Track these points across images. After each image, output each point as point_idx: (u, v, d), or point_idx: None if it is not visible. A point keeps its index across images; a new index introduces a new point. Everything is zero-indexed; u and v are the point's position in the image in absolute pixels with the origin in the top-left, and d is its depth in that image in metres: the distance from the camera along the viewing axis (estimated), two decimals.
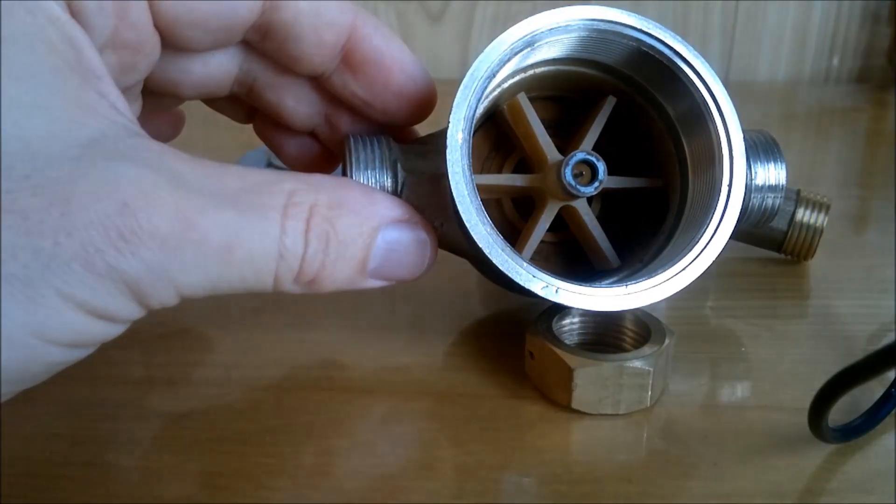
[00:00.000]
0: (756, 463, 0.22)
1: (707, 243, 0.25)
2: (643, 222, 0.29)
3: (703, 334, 0.30)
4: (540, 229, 0.27)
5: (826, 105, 0.66)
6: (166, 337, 0.29)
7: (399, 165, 0.26)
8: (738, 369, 0.27)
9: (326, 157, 0.30)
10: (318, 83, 0.27)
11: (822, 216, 0.33)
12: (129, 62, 0.23)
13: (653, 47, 0.26)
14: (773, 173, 0.27)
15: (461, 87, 0.24)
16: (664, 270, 0.24)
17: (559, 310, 0.27)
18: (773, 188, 0.27)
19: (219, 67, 0.26)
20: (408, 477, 0.22)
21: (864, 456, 0.23)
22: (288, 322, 0.30)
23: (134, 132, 0.20)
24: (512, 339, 0.28)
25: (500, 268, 0.23)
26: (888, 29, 0.68)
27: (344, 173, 0.26)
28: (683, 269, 0.25)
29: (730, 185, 0.25)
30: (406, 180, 0.25)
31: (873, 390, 0.24)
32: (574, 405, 0.24)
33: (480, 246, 0.23)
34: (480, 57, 0.24)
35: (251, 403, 0.25)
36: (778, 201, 0.27)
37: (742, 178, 0.26)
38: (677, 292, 0.24)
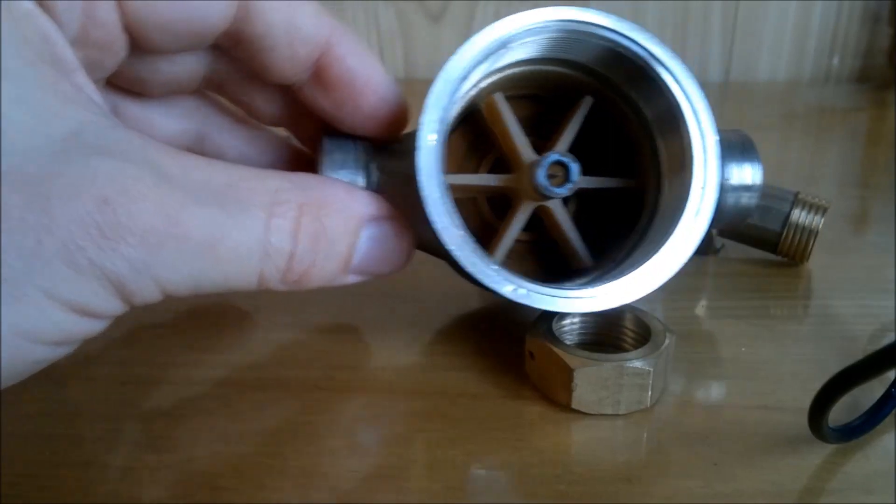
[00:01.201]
0: (756, 463, 0.22)
1: (680, 244, 0.25)
2: (618, 222, 0.29)
3: (703, 334, 0.30)
4: (514, 230, 0.27)
5: (826, 105, 0.66)
6: (166, 337, 0.29)
7: (373, 166, 0.26)
8: (738, 369, 0.27)
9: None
10: (289, 90, 0.27)
11: (817, 218, 0.33)
12: (95, 59, 0.22)
13: (626, 48, 0.26)
14: (747, 173, 0.27)
15: (432, 89, 0.24)
16: (634, 271, 0.25)
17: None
18: (747, 188, 0.27)
19: (187, 68, 0.26)
20: (408, 477, 0.22)
21: (864, 456, 0.23)
22: (288, 322, 0.30)
23: (113, 124, 0.20)
24: (512, 339, 0.28)
25: (469, 270, 0.23)
26: (888, 29, 0.68)
27: (317, 172, 0.26)
28: (655, 270, 0.25)
29: (703, 187, 0.26)
30: (380, 180, 0.26)
31: (873, 390, 0.24)
32: (574, 405, 0.24)
33: (449, 248, 0.23)
34: (452, 58, 0.24)
35: (251, 403, 0.25)
36: (753, 200, 0.28)
37: (715, 179, 0.26)
38: (648, 294, 0.25)
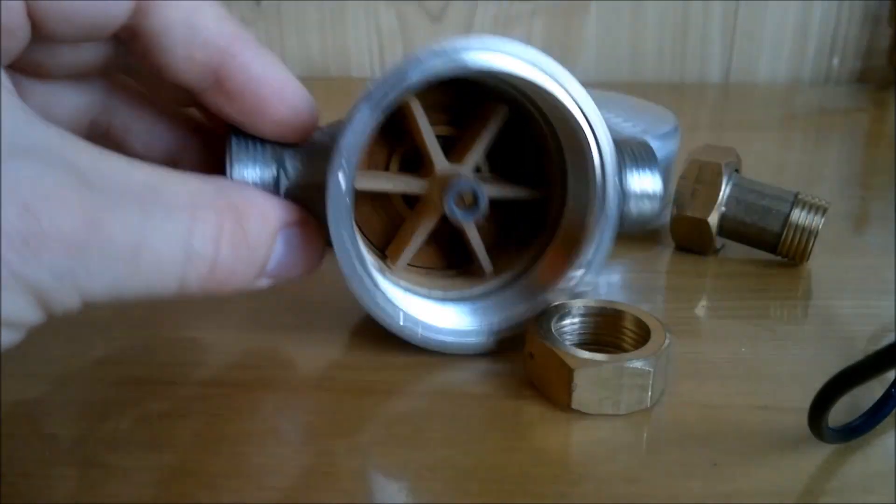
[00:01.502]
0: (756, 463, 0.22)
1: (587, 261, 0.28)
2: (525, 230, 0.30)
3: (703, 334, 0.30)
4: (418, 239, 0.28)
5: (826, 106, 0.66)
6: (166, 337, 0.29)
7: (283, 171, 0.26)
8: (738, 369, 0.27)
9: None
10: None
11: (817, 218, 0.33)
12: (5, 46, 0.21)
13: (509, 75, 0.26)
14: (647, 181, 0.28)
15: (342, 142, 0.24)
16: (535, 298, 0.28)
17: (559, 310, 0.27)
18: (648, 196, 0.28)
19: (88, 56, 0.25)
20: (408, 477, 0.22)
21: (864, 456, 0.23)
22: (287, 323, 0.30)
23: (30, 119, 0.19)
24: (512, 340, 0.28)
25: (362, 302, 0.26)
26: (888, 29, 0.68)
27: (224, 172, 0.25)
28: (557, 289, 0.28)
29: (603, 200, 0.27)
30: (289, 182, 0.26)
31: (873, 390, 0.24)
32: (574, 405, 0.24)
33: (350, 289, 0.26)
34: (358, 114, 0.24)
35: (251, 403, 0.25)
36: (656, 207, 0.28)
37: (615, 192, 0.27)
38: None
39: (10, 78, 0.23)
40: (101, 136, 0.27)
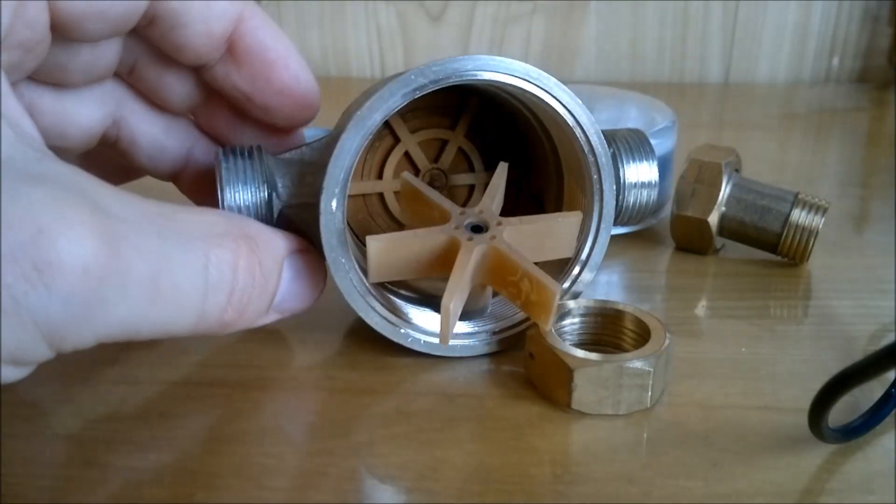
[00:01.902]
0: (756, 463, 0.22)
1: (584, 259, 0.28)
2: None
3: (703, 334, 0.30)
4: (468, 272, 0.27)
5: (826, 105, 0.66)
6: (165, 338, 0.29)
7: (275, 192, 0.26)
8: (738, 369, 0.27)
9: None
10: (201, 75, 0.26)
11: (817, 218, 0.33)
12: (17, 62, 0.21)
13: (494, 84, 0.26)
14: (644, 171, 0.28)
15: (330, 171, 0.24)
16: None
17: (559, 310, 0.27)
18: (645, 185, 0.29)
19: (106, 52, 0.25)
20: (408, 477, 0.22)
21: (864, 456, 0.23)
22: (287, 323, 0.30)
23: (43, 155, 0.18)
24: (512, 340, 0.28)
25: (362, 316, 0.26)
26: (888, 29, 0.68)
27: (216, 187, 0.25)
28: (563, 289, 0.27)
29: (601, 197, 0.27)
30: (283, 205, 0.26)
31: (873, 390, 0.24)
32: (574, 405, 0.24)
33: (344, 294, 0.26)
34: (345, 141, 0.24)
35: (251, 403, 0.25)
36: (653, 196, 0.29)
37: (610, 188, 0.27)
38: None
39: (27, 92, 0.24)
40: (110, 146, 0.27)
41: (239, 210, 0.26)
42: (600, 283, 0.34)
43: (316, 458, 0.23)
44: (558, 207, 0.30)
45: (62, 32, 0.22)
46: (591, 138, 0.27)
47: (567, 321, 0.27)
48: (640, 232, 0.38)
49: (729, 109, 0.65)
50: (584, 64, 0.70)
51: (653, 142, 0.34)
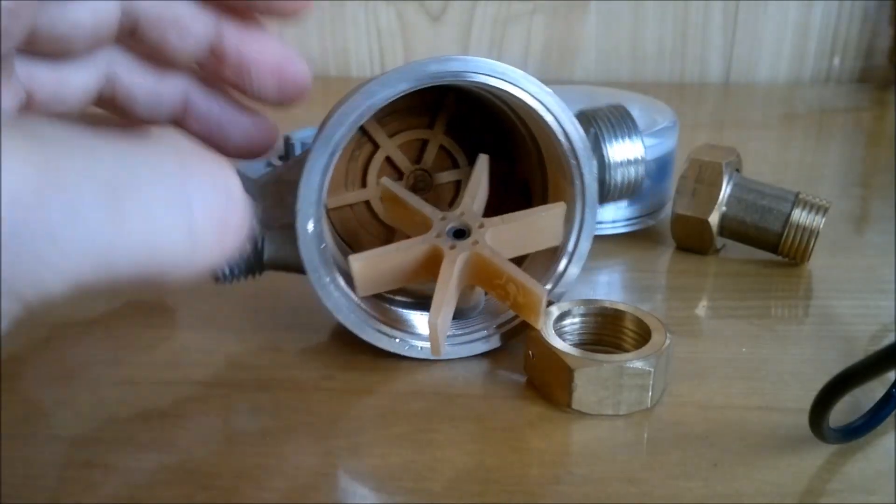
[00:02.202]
0: (756, 463, 0.22)
1: (570, 252, 0.28)
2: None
3: (703, 334, 0.30)
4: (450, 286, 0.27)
5: (826, 105, 0.66)
6: (166, 338, 0.29)
7: (255, 216, 0.26)
8: (739, 369, 0.27)
9: None
10: (201, 9, 0.25)
11: (818, 218, 0.33)
12: (5, 27, 0.19)
13: (470, 82, 0.26)
14: (628, 148, 0.29)
15: (299, 193, 0.24)
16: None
17: (559, 310, 0.27)
18: (631, 162, 0.29)
19: (107, 13, 0.24)
20: (408, 478, 0.22)
21: (864, 456, 0.23)
22: (288, 323, 0.30)
23: None
24: (512, 340, 0.28)
25: (356, 332, 0.27)
26: (889, 29, 0.68)
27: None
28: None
29: (582, 188, 0.27)
30: (265, 234, 0.27)
31: (874, 391, 0.24)
32: (574, 405, 0.24)
33: (334, 314, 0.26)
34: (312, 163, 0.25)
35: (251, 403, 0.25)
36: (640, 171, 0.29)
37: (591, 169, 0.27)
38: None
39: (18, 69, 0.23)
40: (106, 102, 0.27)
41: (231, 270, 0.27)
42: (600, 283, 0.34)
43: (316, 458, 0.23)
44: (545, 197, 0.29)
45: None
46: (564, 126, 0.26)
47: (567, 321, 0.27)
48: (640, 232, 0.38)
49: (729, 109, 0.65)
50: (584, 64, 0.70)
51: (653, 142, 0.34)
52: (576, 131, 0.27)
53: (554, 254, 0.28)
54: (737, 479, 0.22)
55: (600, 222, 0.37)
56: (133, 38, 0.26)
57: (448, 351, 0.27)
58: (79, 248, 0.15)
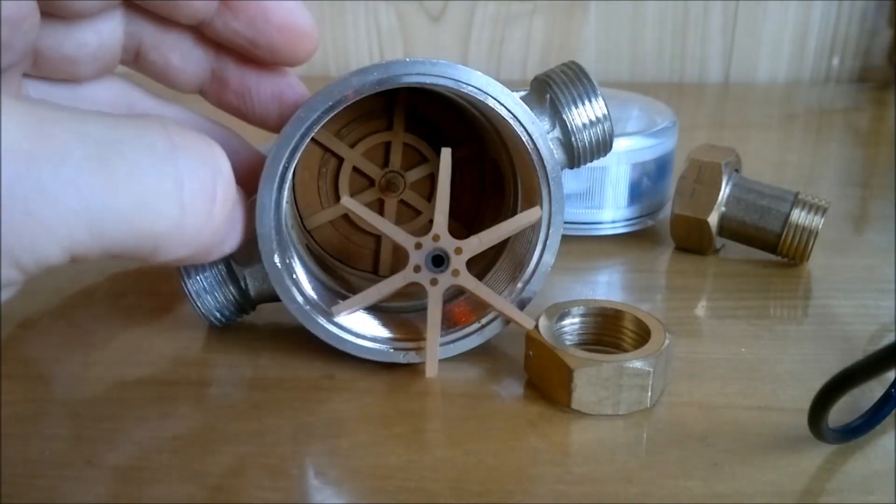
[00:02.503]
0: (756, 463, 0.22)
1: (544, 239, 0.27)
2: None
3: (702, 334, 0.30)
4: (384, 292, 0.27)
5: (826, 105, 0.66)
6: (166, 337, 0.29)
7: (233, 261, 0.27)
8: (738, 369, 0.27)
9: None
10: (202, 36, 0.26)
11: (817, 218, 0.33)
12: (5, 40, 0.20)
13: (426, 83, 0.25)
14: (589, 109, 0.27)
15: (259, 232, 0.25)
16: (514, 284, 0.27)
17: (559, 310, 0.27)
18: (595, 122, 0.27)
19: (111, 34, 0.24)
20: (408, 477, 0.22)
21: (864, 456, 0.23)
22: (287, 322, 0.30)
23: None
24: (512, 339, 0.28)
25: (347, 350, 0.27)
26: (888, 29, 0.68)
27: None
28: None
29: (548, 177, 0.27)
30: (246, 272, 0.28)
31: (873, 391, 0.24)
32: (574, 405, 0.24)
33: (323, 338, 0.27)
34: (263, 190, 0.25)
35: (251, 403, 0.25)
36: (608, 129, 0.28)
37: (546, 143, 0.26)
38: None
39: (33, 95, 0.23)
40: (133, 61, 0.27)
41: (221, 313, 0.28)
42: (600, 283, 0.34)
43: (316, 458, 0.23)
44: (513, 172, 0.29)
45: (56, 7, 0.21)
46: (511, 109, 0.26)
47: (567, 321, 0.27)
48: (640, 232, 0.38)
49: (729, 109, 0.65)
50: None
51: (653, 142, 0.34)
52: (524, 113, 0.26)
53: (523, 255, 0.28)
54: (736, 479, 0.22)
55: (601, 222, 0.37)
56: (137, 62, 0.27)
57: (442, 351, 0.27)
58: (71, 207, 0.15)
